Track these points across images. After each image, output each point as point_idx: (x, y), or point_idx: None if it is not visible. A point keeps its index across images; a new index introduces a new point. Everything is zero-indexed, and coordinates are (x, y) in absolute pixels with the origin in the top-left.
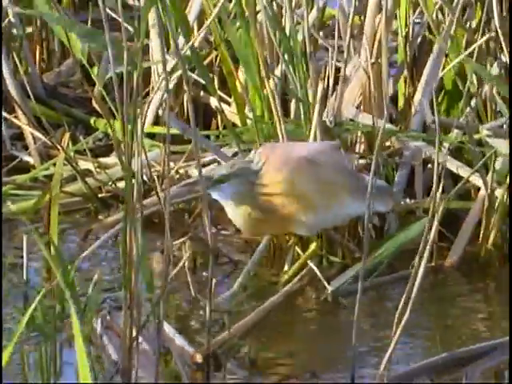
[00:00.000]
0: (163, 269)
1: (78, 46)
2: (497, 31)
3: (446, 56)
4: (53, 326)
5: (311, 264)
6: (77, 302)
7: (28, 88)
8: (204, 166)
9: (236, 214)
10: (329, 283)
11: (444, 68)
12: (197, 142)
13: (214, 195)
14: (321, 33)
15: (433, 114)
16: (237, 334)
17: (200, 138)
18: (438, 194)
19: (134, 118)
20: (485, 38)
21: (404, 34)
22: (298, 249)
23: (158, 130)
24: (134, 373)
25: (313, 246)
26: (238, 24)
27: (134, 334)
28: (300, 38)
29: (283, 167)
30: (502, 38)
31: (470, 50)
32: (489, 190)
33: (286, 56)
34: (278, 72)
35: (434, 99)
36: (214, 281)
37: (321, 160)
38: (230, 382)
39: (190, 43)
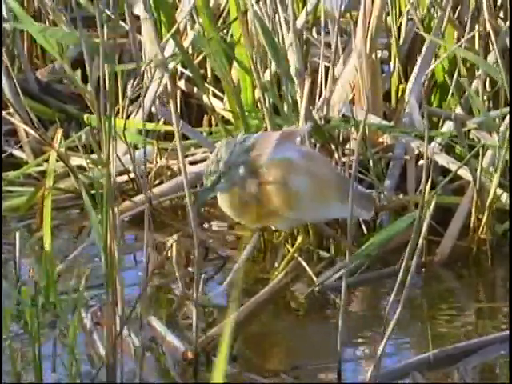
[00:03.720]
0: (146, 266)
1: (56, 48)
2: (485, 27)
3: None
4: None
5: (300, 259)
6: (60, 300)
7: (21, 84)
8: (197, 162)
9: (223, 199)
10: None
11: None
12: (181, 137)
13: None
14: (314, 29)
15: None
16: (222, 333)
17: (195, 134)
18: (427, 189)
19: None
20: (471, 34)
21: (396, 30)
22: (287, 245)
23: (150, 126)
24: (119, 368)
25: (299, 239)
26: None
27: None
28: (290, 35)
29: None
30: (491, 34)
31: (460, 43)
32: (478, 184)
33: (274, 53)
34: (268, 70)
35: (423, 94)
36: (202, 277)
37: (315, 156)
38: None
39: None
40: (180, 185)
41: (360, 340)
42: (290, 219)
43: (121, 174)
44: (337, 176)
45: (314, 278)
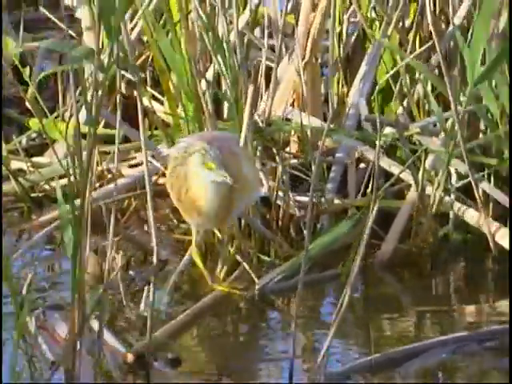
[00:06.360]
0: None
1: (8, 47)
2: (430, 31)
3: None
4: None
5: (241, 261)
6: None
7: None
8: (135, 166)
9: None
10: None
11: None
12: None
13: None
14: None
15: (369, 112)
16: (166, 335)
17: (138, 136)
18: (373, 192)
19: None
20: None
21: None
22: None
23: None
24: (77, 372)
25: (237, 241)
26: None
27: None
28: (232, 37)
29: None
30: (435, 38)
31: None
32: (419, 188)
33: (217, 56)
34: (210, 72)
35: (366, 98)
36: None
37: (238, 151)
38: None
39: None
40: (119, 188)
41: (302, 343)
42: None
43: (61, 177)
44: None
45: (256, 280)
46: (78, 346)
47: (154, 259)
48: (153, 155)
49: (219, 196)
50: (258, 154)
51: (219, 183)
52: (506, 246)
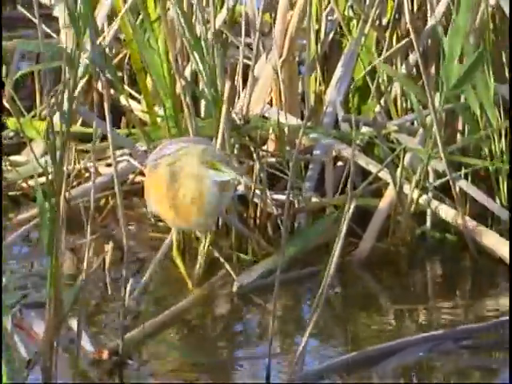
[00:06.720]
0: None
1: None
2: (408, 30)
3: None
4: None
5: (221, 258)
6: None
7: None
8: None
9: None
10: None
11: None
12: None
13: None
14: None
15: (346, 110)
16: (145, 334)
17: (115, 135)
18: (349, 191)
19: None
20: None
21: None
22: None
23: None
24: (54, 371)
25: (210, 236)
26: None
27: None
28: (210, 35)
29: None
30: (412, 36)
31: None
32: (397, 187)
33: (195, 54)
34: (188, 70)
35: (343, 97)
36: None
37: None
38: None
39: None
40: (96, 186)
41: (279, 341)
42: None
43: (39, 175)
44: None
45: (234, 277)
46: (55, 345)
47: (125, 257)
48: (130, 153)
49: (219, 196)
50: (236, 151)
51: (221, 182)
52: (485, 242)
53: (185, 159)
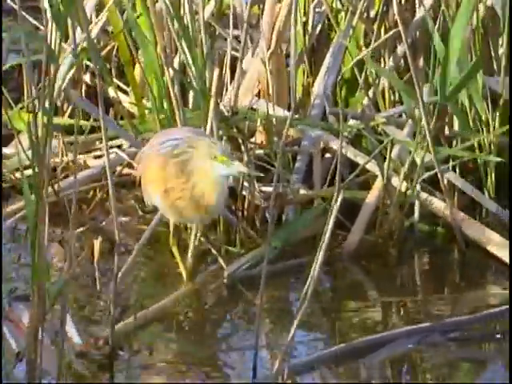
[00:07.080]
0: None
1: None
2: (396, 21)
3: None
4: None
5: (211, 248)
6: None
7: None
8: (100, 157)
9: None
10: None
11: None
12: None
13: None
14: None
15: (334, 102)
16: (132, 326)
17: (111, 124)
18: (337, 182)
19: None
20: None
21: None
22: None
23: (57, 120)
24: (39, 363)
25: (199, 226)
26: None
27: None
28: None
29: None
30: (400, 27)
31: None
32: (385, 179)
33: (183, 45)
34: (176, 61)
35: (331, 89)
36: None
37: None
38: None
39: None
40: (84, 179)
41: (267, 333)
42: None
43: (26, 168)
44: None
45: (224, 266)
46: (40, 336)
47: (116, 248)
48: (118, 145)
49: (225, 188)
50: (224, 143)
51: (228, 176)
52: (473, 236)
53: (191, 152)
